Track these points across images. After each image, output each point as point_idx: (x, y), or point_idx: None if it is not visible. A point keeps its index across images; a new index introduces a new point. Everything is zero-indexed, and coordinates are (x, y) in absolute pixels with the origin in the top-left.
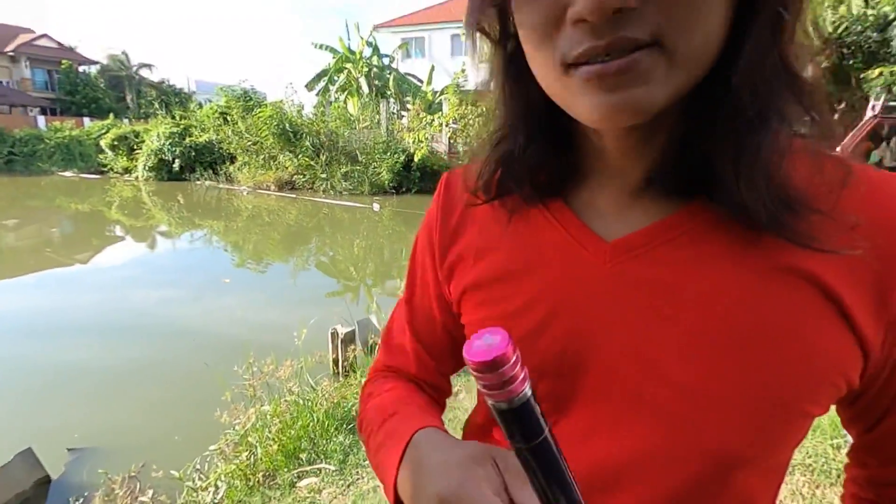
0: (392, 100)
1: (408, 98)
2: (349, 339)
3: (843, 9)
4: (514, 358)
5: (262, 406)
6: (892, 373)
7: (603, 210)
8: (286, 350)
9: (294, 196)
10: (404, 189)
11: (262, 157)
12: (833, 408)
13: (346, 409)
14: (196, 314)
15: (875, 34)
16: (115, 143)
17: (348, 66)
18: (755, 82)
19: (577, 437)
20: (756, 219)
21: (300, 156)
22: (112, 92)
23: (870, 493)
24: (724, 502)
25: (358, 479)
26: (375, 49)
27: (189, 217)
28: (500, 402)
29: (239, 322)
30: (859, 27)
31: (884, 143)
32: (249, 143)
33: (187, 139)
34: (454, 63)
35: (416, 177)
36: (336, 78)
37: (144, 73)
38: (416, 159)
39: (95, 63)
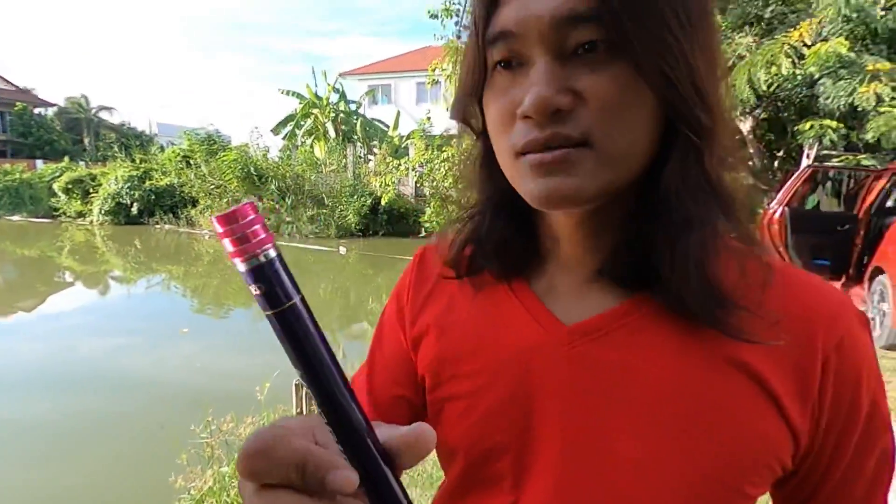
0: (359, 144)
1: (375, 142)
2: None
3: (774, 69)
4: (254, 217)
5: (220, 468)
6: (816, 458)
7: (562, 294)
8: (247, 403)
9: None
10: (371, 232)
11: (225, 200)
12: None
13: None
14: (151, 364)
15: (804, 90)
16: (70, 186)
17: (315, 111)
18: (680, 192)
19: None
20: (691, 313)
21: (265, 199)
22: (68, 134)
23: None
24: None
25: None
26: (342, 95)
27: (146, 262)
28: (241, 262)
29: (198, 372)
30: (790, 85)
31: (820, 188)
32: (213, 186)
33: (147, 182)
34: (420, 110)
35: (383, 220)
36: (303, 122)
37: (104, 115)
38: (383, 202)
39: (52, 105)
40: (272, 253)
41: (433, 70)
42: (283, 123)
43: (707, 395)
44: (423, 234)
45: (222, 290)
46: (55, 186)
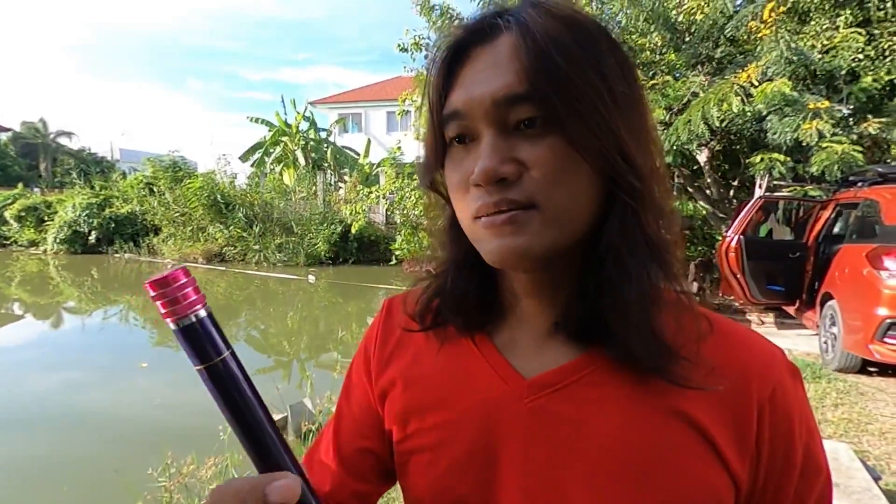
0: (329, 172)
1: (345, 170)
2: (281, 427)
3: (725, 106)
4: (185, 281)
5: None
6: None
7: (521, 347)
8: (210, 442)
9: (224, 268)
10: (341, 260)
11: (189, 228)
12: None
13: None
14: (107, 401)
15: (754, 125)
16: (22, 213)
17: (285, 138)
18: (619, 248)
19: None
20: (638, 363)
21: (232, 227)
22: (24, 160)
23: None
24: None
25: None
26: (312, 123)
27: (103, 292)
28: (171, 322)
29: (157, 408)
30: (740, 120)
31: (772, 216)
32: (177, 214)
33: (107, 210)
34: (390, 138)
35: (353, 247)
36: (272, 150)
37: (63, 140)
38: (353, 230)
39: (7, 130)
40: (202, 313)
41: (403, 100)
42: (252, 150)
43: (653, 445)
44: (394, 261)
45: None
46: (6, 214)
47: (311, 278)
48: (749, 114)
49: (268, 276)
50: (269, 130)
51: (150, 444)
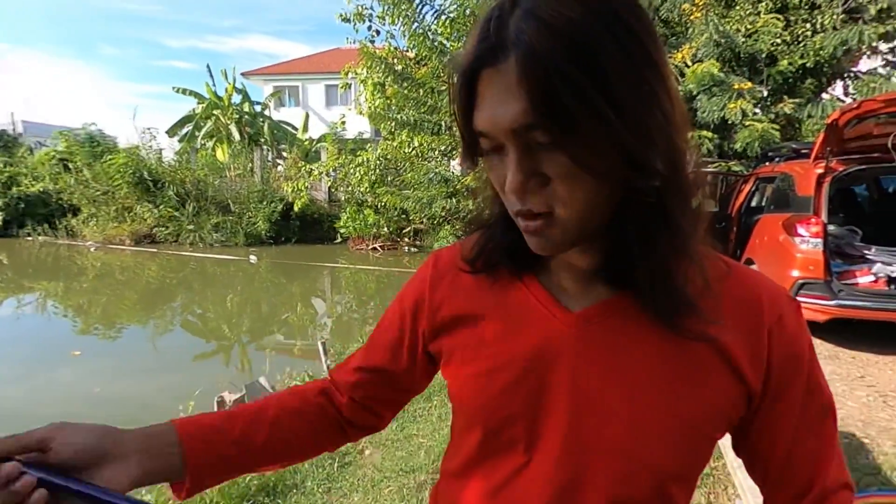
0: (266, 147)
1: (283, 146)
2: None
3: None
4: None
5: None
6: (769, 408)
7: (565, 288)
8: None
9: (155, 250)
10: (283, 239)
11: (114, 208)
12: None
13: (243, 486)
14: (22, 396)
15: (685, 104)
16: None
17: (216, 112)
18: (643, 232)
19: (549, 466)
20: (662, 309)
21: (162, 206)
22: None
23: None
24: None
25: None
26: (246, 96)
27: (15, 279)
28: None
29: (82, 401)
30: None
31: (700, 191)
32: (98, 192)
33: (14, 189)
34: (331, 113)
35: (295, 226)
36: (203, 124)
37: None
38: (295, 208)
39: None
40: None
41: (346, 73)
42: (181, 124)
43: (682, 364)
44: (339, 239)
45: (112, 308)
46: None
47: (253, 258)
48: (681, 93)
49: (204, 256)
50: (199, 103)
51: None
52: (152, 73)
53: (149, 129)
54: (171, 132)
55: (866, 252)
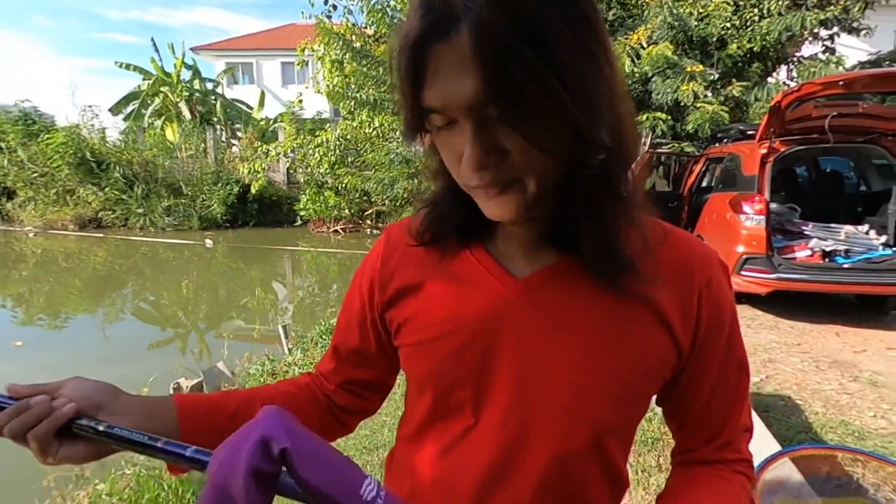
0: (220, 127)
1: (238, 125)
2: (197, 391)
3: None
4: None
5: (96, 485)
6: (693, 365)
7: (511, 255)
8: None
9: (101, 235)
10: (240, 222)
11: (54, 191)
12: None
13: (200, 473)
14: None
15: (641, 87)
16: None
17: (164, 89)
18: (589, 198)
19: (495, 426)
20: (599, 275)
21: (108, 189)
22: None
23: (676, 459)
24: (598, 461)
25: None
26: (196, 72)
27: None
28: None
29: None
30: (629, 81)
31: (654, 171)
32: (35, 174)
33: None
34: (287, 92)
35: (252, 209)
36: (150, 101)
37: None
38: (252, 190)
39: None
40: None
41: (302, 50)
42: (125, 102)
43: (622, 324)
44: (299, 222)
45: (56, 297)
46: None
47: (209, 242)
48: (637, 75)
49: (156, 241)
50: (145, 79)
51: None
52: (92, 48)
53: (90, 106)
54: (114, 110)
55: (804, 228)
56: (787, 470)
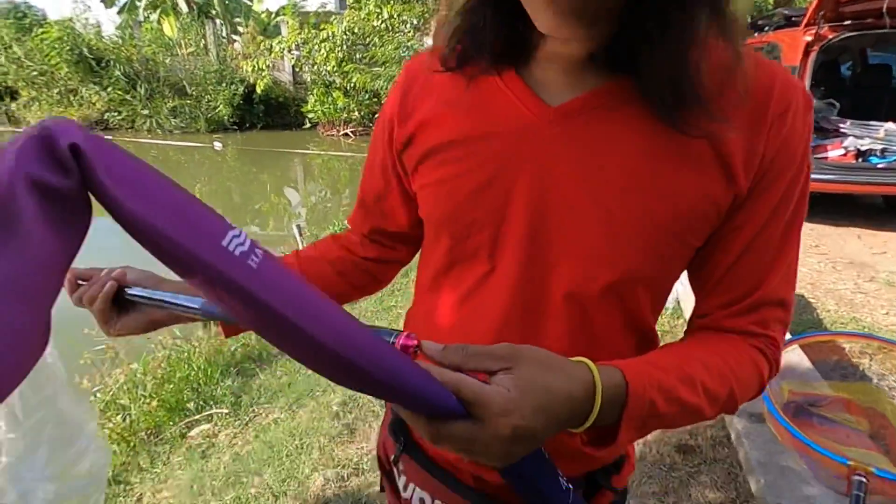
0: (219, 21)
1: (238, 19)
2: None
3: None
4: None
5: (130, 365)
6: (751, 203)
7: (549, 80)
8: None
9: (110, 137)
10: (248, 125)
11: (56, 90)
12: None
13: (228, 355)
14: None
15: None
16: None
17: None
18: (664, 14)
19: (513, 271)
20: (666, 98)
21: (110, 88)
22: None
23: (692, 325)
24: (621, 309)
25: (255, 416)
26: None
27: None
28: None
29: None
30: None
31: None
32: (35, 72)
33: None
34: None
35: (259, 111)
36: None
37: None
38: (258, 91)
39: None
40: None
41: None
42: None
43: (671, 162)
44: (308, 125)
45: None
46: None
47: (218, 145)
48: None
49: (166, 144)
50: None
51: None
52: None
53: None
54: (107, 3)
55: (841, 125)
56: (796, 357)
